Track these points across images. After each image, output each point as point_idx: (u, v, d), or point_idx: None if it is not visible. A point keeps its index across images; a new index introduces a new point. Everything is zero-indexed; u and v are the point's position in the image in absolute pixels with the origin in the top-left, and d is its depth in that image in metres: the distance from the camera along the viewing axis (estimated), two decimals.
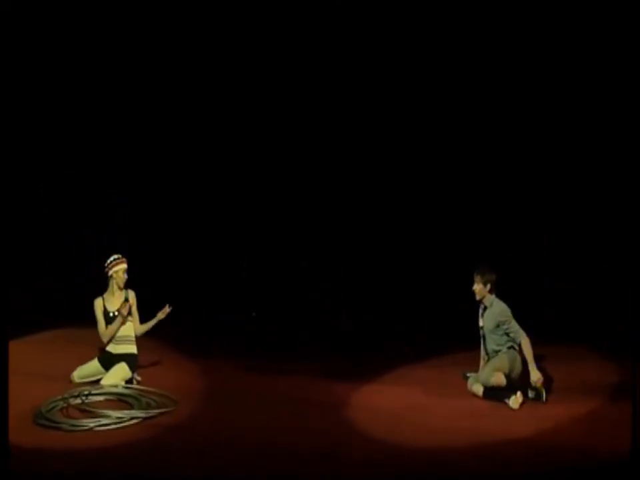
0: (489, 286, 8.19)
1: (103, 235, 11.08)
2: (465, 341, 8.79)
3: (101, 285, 8.68)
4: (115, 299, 8.50)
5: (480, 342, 8.28)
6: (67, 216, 11.41)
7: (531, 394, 7.98)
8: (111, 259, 8.53)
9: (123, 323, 8.45)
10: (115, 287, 8.49)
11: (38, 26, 10.91)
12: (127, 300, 8.52)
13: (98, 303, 8.50)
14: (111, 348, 8.43)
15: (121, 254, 8.63)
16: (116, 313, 8.43)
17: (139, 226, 11.22)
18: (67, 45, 11.02)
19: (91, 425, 7.36)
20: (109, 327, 8.45)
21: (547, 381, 8.16)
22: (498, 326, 8.09)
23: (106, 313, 8.45)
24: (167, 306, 8.59)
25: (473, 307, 8.40)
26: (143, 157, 11.31)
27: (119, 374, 8.26)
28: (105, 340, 8.49)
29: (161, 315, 8.57)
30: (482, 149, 10.45)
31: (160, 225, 11.30)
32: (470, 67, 10.26)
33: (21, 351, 8.03)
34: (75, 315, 9.88)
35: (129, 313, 8.48)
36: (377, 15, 10.31)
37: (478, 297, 8.24)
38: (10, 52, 8.55)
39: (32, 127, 11.29)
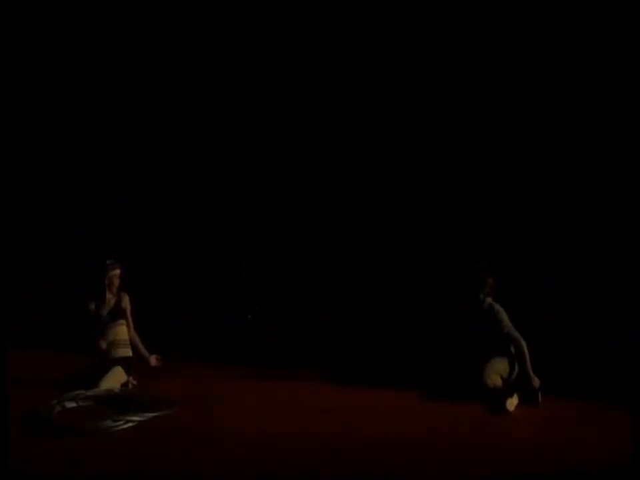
0: (487, 289, 8.20)
1: (103, 235, 11.10)
2: (463, 342, 8.77)
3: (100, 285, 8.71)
4: (107, 303, 8.51)
5: (476, 345, 8.29)
6: (67, 216, 11.42)
7: (527, 396, 7.99)
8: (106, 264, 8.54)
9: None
10: (108, 292, 8.50)
11: (38, 26, 10.94)
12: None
13: (90, 308, 8.51)
14: (106, 351, 8.42)
15: (119, 255, 8.65)
16: (107, 318, 8.44)
17: (139, 226, 11.22)
18: (66, 44, 11.05)
19: (87, 428, 7.35)
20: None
21: (542, 383, 8.15)
22: (495, 329, 8.09)
23: (98, 317, 8.46)
24: (161, 359, 8.56)
25: (472, 307, 8.40)
26: (143, 157, 11.31)
27: (115, 377, 8.27)
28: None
29: (152, 359, 8.55)
30: (482, 149, 10.40)
31: (160, 225, 11.29)
32: (470, 66, 10.22)
33: (20, 357, 8.06)
34: (74, 315, 9.89)
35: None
36: (376, 14, 10.30)
37: (476, 300, 8.25)
38: (10, 52, 8.61)
39: (32, 127, 11.32)
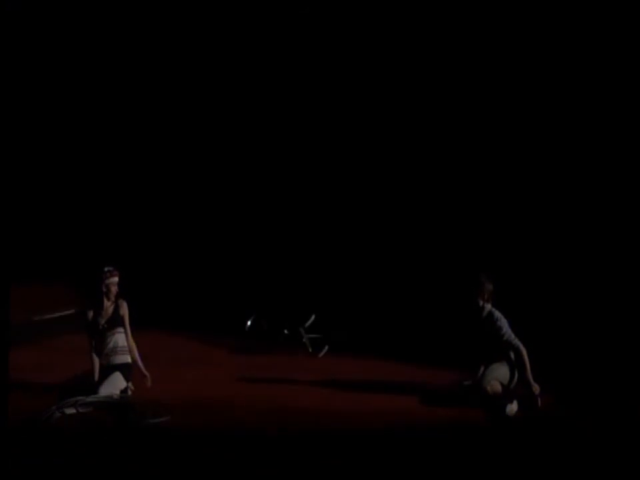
0: (486, 296, 8.21)
1: (103, 236, 11.11)
2: (462, 347, 8.76)
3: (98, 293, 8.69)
4: (105, 311, 8.48)
5: (477, 351, 8.29)
6: (67, 216, 11.43)
7: (526, 402, 8.01)
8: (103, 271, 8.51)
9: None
10: (105, 299, 8.47)
11: (38, 26, 10.95)
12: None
13: (88, 315, 8.48)
14: (105, 359, 8.41)
15: (115, 261, 8.62)
16: (105, 326, 8.43)
17: (138, 227, 11.23)
18: (66, 45, 11.07)
19: (86, 434, 7.37)
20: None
21: (542, 389, 8.16)
22: (495, 336, 8.10)
23: (95, 324, 8.44)
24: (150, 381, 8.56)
25: (472, 314, 8.39)
26: (143, 158, 11.33)
27: (115, 383, 8.24)
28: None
29: (145, 380, 8.53)
30: (482, 152, 10.43)
31: (159, 226, 11.31)
32: (469, 70, 10.24)
33: (20, 357, 8.08)
34: (74, 316, 9.90)
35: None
36: (376, 15, 10.30)
37: (476, 307, 8.25)
38: (11, 52, 8.60)
39: (32, 127, 11.33)
